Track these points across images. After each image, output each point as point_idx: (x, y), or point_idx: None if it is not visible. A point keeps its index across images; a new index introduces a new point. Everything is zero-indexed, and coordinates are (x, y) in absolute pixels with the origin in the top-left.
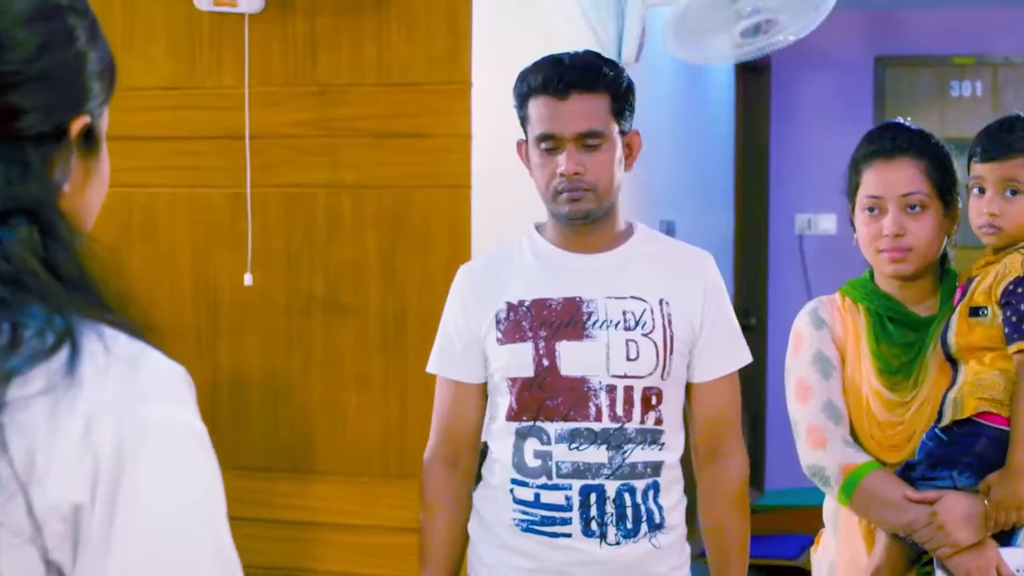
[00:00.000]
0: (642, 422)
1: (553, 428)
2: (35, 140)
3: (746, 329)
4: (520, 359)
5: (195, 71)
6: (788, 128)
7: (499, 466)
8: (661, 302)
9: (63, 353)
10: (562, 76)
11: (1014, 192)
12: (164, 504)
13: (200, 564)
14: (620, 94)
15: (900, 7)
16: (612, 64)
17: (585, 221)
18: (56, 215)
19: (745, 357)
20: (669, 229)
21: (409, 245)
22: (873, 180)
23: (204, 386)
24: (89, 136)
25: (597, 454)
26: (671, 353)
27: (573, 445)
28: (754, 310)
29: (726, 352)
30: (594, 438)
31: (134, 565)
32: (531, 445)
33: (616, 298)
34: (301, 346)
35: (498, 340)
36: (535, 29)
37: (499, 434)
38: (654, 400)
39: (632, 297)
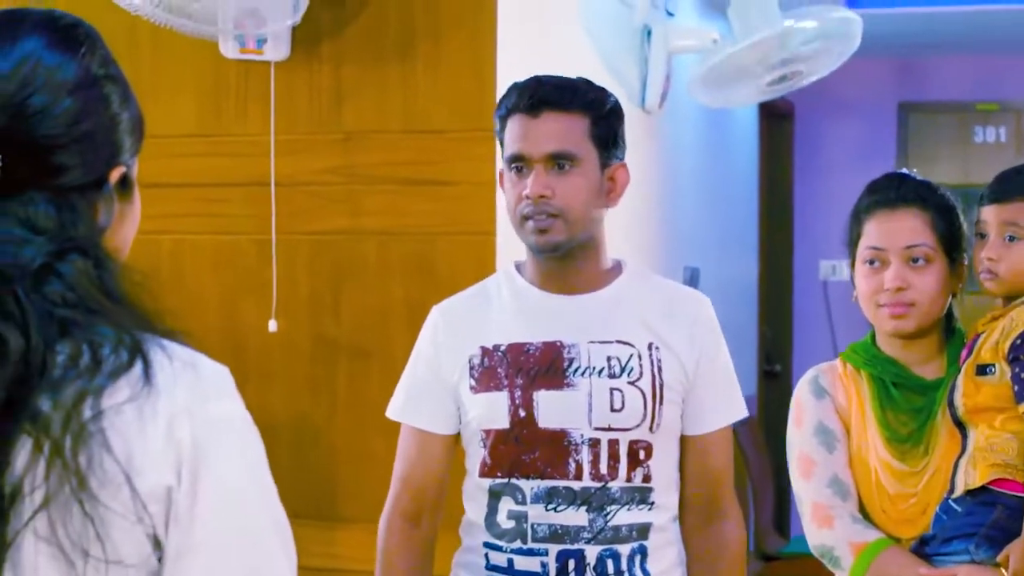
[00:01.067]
0: (628, 480)
1: (529, 486)
2: (80, 190)
3: (771, 376)
4: (494, 409)
5: (221, 119)
6: (812, 174)
7: (474, 527)
8: (650, 347)
9: (138, 366)
10: (535, 93)
11: (1012, 238)
12: (233, 480)
13: (263, 524)
14: (601, 117)
15: (923, 54)
16: (597, 88)
17: (555, 254)
18: (102, 250)
19: (741, 411)
20: (693, 276)
21: (434, 292)
22: (875, 231)
23: None
24: (124, 182)
25: (576, 516)
26: (661, 403)
27: (550, 505)
28: (779, 357)
29: (723, 403)
30: (573, 498)
31: (214, 530)
32: (505, 504)
33: (600, 343)
34: (326, 392)
35: (472, 388)
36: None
37: (473, 492)
38: (642, 455)
39: (618, 342)
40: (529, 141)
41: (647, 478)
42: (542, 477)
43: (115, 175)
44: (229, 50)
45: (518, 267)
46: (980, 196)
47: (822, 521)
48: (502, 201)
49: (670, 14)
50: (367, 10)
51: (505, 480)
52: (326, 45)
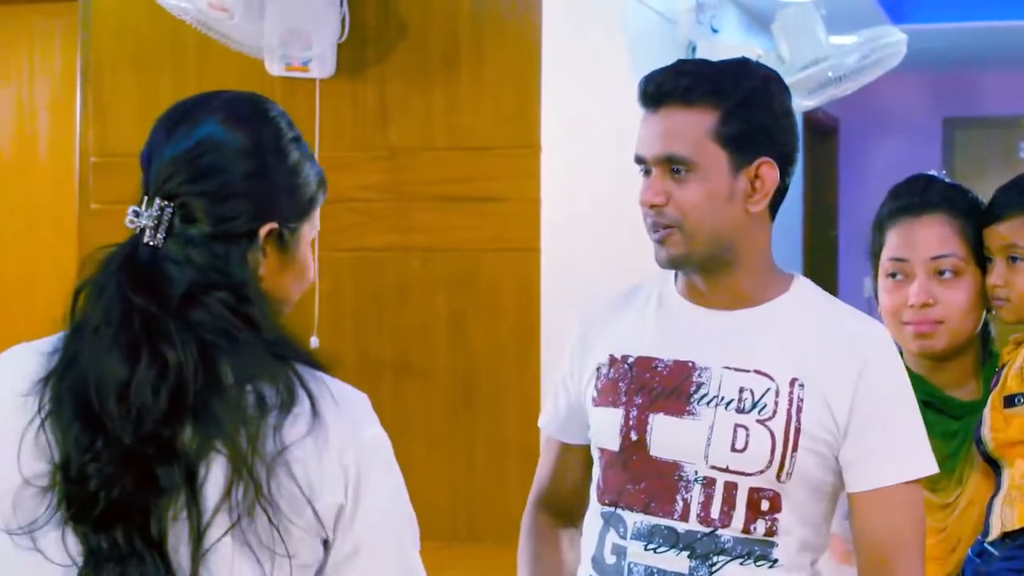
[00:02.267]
0: (746, 531)
1: (632, 519)
2: (235, 239)
3: None
4: (608, 427)
5: None
6: (857, 190)
7: (585, 553)
8: (793, 383)
9: (305, 402)
10: (659, 83)
11: (1015, 259)
12: (385, 490)
13: (404, 524)
14: (735, 110)
15: (968, 69)
16: (743, 73)
17: (680, 269)
18: (252, 290)
19: (923, 467)
20: None
21: (478, 308)
22: (898, 240)
23: None
24: (280, 237)
25: (676, 561)
26: (794, 449)
27: (650, 545)
28: None
29: (888, 456)
30: (675, 540)
31: (370, 527)
32: (611, 537)
33: (736, 370)
34: None
35: (593, 400)
36: (604, 92)
37: (590, 516)
38: (765, 505)
39: (756, 372)
40: (645, 140)
41: (770, 532)
42: (645, 511)
43: (264, 231)
44: (274, 68)
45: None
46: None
47: (841, 557)
48: (547, 217)
49: (714, 30)
50: (411, 28)
51: (612, 509)
52: (371, 63)
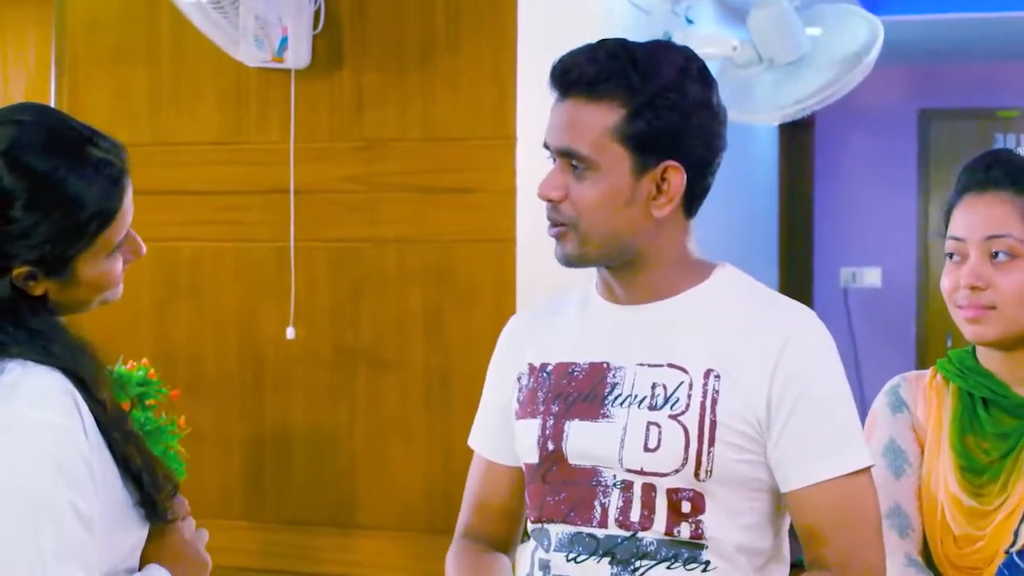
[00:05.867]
0: (669, 533)
1: (555, 531)
2: None
3: None
4: (528, 439)
5: (241, 127)
6: (832, 182)
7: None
8: (708, 374)
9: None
10: (565, 69)
11: (997, 254)
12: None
13: (25, 508)
14: (640, 110)
15: (943, 61)
16: (654, 65)
17: (575, 267)
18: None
19: (852, 461)
20: None
21: (454, 300)
22: (958, 218)
23: (249, 439)
24: (53, 271)
25: (597, 569)
26: (711, 444)
27: (571, 555)
28: None
29: (820, 450)
30: (595, 547)
31: None
32: (538, 553)
33: (650, 366)
34: (345, 400)
35: (516, 413)
36: None
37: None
38: (686, 507)
39: (670, 365)
40: (550, 128)
41: (697, 535)
42: (565, 521)
43: (15, 273)
44: (249, 58)
45: None
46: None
47: None
48: (523, 209)
49: (690, 21)
50: (387, 19)
51: (539, 525)
52: (347, 54)
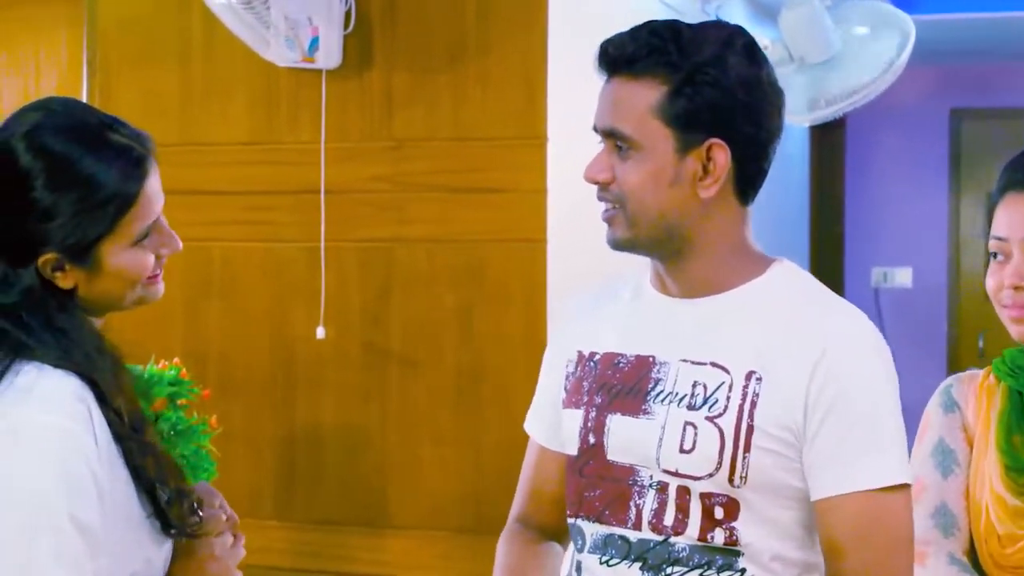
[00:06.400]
0: (702, 539)
1: (589, 531)
2: (11, 264)
3: None
4: (571, 430)
5: (272, 127)
6: (863, 181)
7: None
8: (749, 376)
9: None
10: (607, 49)
11: None
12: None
13: (23, 512)
14: (681, 87)
15: (975, 60)
16: (696, 41)
17: (626, 252)
18: (24, 307)
19: (887, 474)
20: None
21: (484, 300)
22: (1000, 218)
23: (279, 438)
24: (77, 258)
25: (628, 574)
26: (747, 449)
27: (604, 557)
28: None
29: (853, 460)
30: (627, 551)
31: None
32: (574, 552)
33: (693, 363)
34: (375, 400)
35: (563, 401)
36: None
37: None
38: (719, 513)
39: (712, 364)
40: (597, 109)
41: (732, 540)
42: (600, 521)
43: (40, 261)
44: (280, 58)
45: None
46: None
47: (916, 557)
48: (553, 209)
49: None
50: (418, 19)
51: (574, 520)
52: (377, 53)
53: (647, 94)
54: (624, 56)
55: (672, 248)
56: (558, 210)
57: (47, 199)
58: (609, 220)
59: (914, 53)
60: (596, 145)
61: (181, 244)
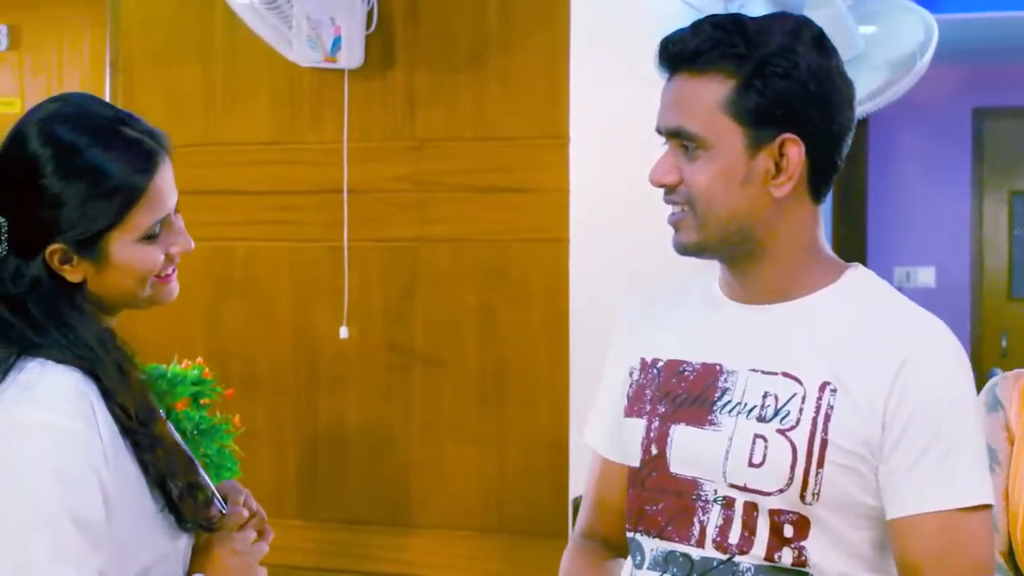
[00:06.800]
0: (769, 558)
1: (648, 546)
2: (20, 255)
3: None
4: (632, 440)
5: (295, 127)
6: (886, 181)
7: None
8: (823, 388)
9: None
10: (669, 45)
11: None
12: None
13: (19, 509)
14: (750, 80)
15: (998, 59)
16: (764, 33)
17: (693, 256)
18: (32, 298)
19: (968, 494)
20: None
21: (507, 299)
22: None
23: (302, 437)
24: (84, 249)
25: None
26: (820, 464)
27: (664, 575)
28: None
29: (930, 477)
30: (689, 569)
31: None
32: (632, 569)
33: (763, 373)
34: (399, 399)
35: (624, 409)
36: (632, 82)
37: None
38: (789, 531)
39: (784, 374)
40: (660, 109)
41: (800, 562)
42: (661, 536)
43: (48, 251)
44: (303, 58)
45: None
46: None
47: None
48: (575, 208)
49: None
50: (440, 19)
51: (632, 533)
52: (399, 54)
53: (714, 89)
54: (687, 52)
55: (743, 251)
56: (580, 209)
57: (56, 186)
58: (676, 224)
59: (937, 52)
60: (623, 148)
61: (193, 243)
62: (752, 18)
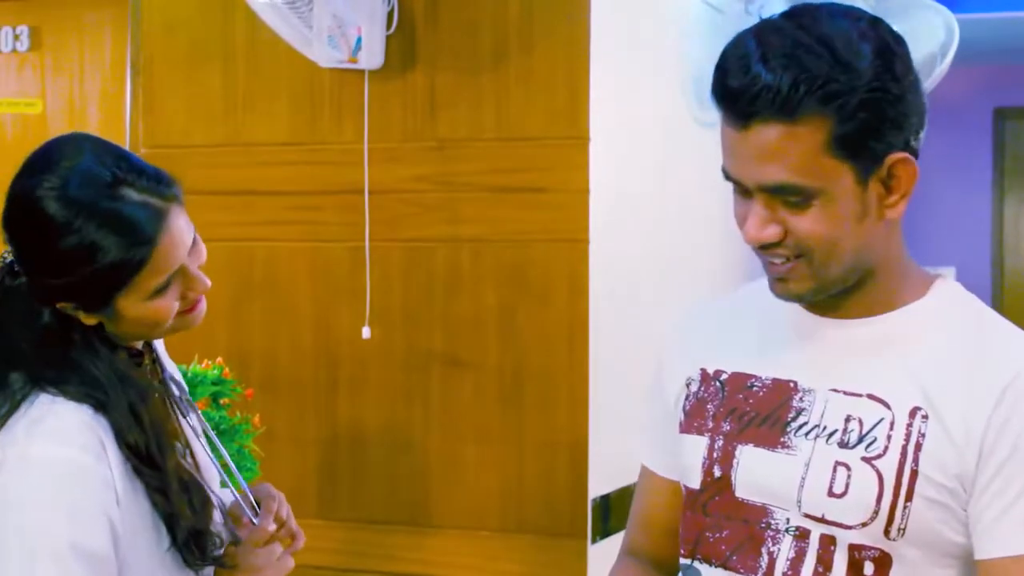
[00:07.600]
0: None
1: (709, 575)
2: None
3: None
4: (691, 459)
5: (315, 127)
6: None
7: None
8: (914, 413)
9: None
10: (740, 93)
11: None
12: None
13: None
14: (852, 113)
15: (1018, 59)
16: (848, 55)
17: (804, 302)
18: (36, 340)
19: None
20: None
21: (528, 300)
22: None
23: (323, 438)
24: (93, 309)
25: None
26: (908, 498)
27: None
28: None
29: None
30: None
31: None
32: None
33: (845, 393)
34: (419, 400)
35: (680, 424)
36: (653, 83)
37: None
38: (869, 569)
39: (869, 396)
40: (738, 160)
41: None
42: (725, 566)
43: (60, 306)
44: (324, 59)
45: None
46: None
47: None
48: (596, 209)
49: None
50: (461, 18)
51: (689, 561)
52: (420, 54)
53: (812, 134)
54: (772, 100)
55: (855, 280)
56: (601, 210)
57: (57, 257)
58: (786, 274)
59: (958, 52)
60: (644, 148)
61: (209, 283)
62: (828, 34)
